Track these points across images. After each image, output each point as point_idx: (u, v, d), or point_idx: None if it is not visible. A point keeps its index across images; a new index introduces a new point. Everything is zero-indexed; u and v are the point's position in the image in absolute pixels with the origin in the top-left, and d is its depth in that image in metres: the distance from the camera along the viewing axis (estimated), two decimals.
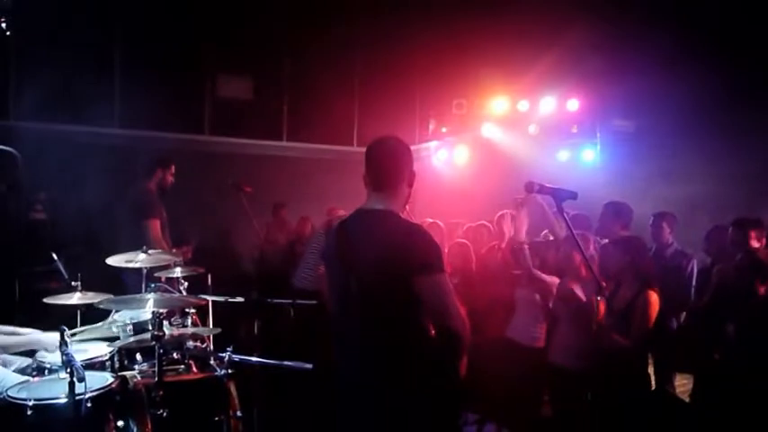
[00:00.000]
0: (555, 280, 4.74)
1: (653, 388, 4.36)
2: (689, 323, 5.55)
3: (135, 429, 3.35)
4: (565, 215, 3.26)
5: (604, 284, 3.60)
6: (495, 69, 8.26)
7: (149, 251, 4.39)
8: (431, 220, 6.36)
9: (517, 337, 4.97)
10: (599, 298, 3.41)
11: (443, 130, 9.65)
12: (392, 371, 2.55)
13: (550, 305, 4.75)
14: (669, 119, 6.65)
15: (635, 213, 5.27)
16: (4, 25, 6.12)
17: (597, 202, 5.41)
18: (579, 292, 4.28)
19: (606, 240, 4.73)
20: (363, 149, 2.79)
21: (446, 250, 5.84)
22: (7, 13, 6.08)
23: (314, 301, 4.67)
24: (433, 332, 2.58)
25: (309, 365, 3.11)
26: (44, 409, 3.03)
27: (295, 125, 9.76)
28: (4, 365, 3.75)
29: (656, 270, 4.53)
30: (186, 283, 4.46)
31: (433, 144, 10.02)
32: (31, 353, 3.75)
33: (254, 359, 3.63)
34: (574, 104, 7.74)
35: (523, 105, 8.30)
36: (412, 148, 2.84)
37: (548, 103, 7.99)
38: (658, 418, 4.17)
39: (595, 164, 7.73)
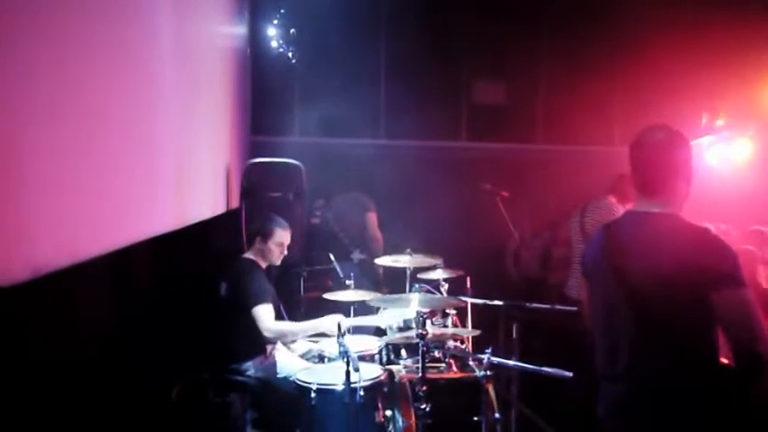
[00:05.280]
0: None
1: None
2: None
3: (400, 420, 3.58)
4: None
5: None
6: None
7: (413, 253, 4.71)
8: (723, 226, 5.74)
9: None
10: None
11: (719, 123, 8.63)
12: (668, 397, 2.24)
13: None
14: None
15: None
16: (290, 54, 7.01)
17: None
18: None
19: None
20: (626, 148, 2.56)
21: None
22: (293, 43, 6.96)
23: (574, 308, 4.53)
24: (722, 357, 2.25)
25: (569, 374, 3.00)
26: (325, 393, 3.41)
27: (550, 127, 9.55)
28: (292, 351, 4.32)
29: None
30: (447, 285, 4.65)
31: (706, 140, 9.03)
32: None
33: (512, 363, 3.63)
34: None
35: None
36: None
37: None
38: None
39: None
